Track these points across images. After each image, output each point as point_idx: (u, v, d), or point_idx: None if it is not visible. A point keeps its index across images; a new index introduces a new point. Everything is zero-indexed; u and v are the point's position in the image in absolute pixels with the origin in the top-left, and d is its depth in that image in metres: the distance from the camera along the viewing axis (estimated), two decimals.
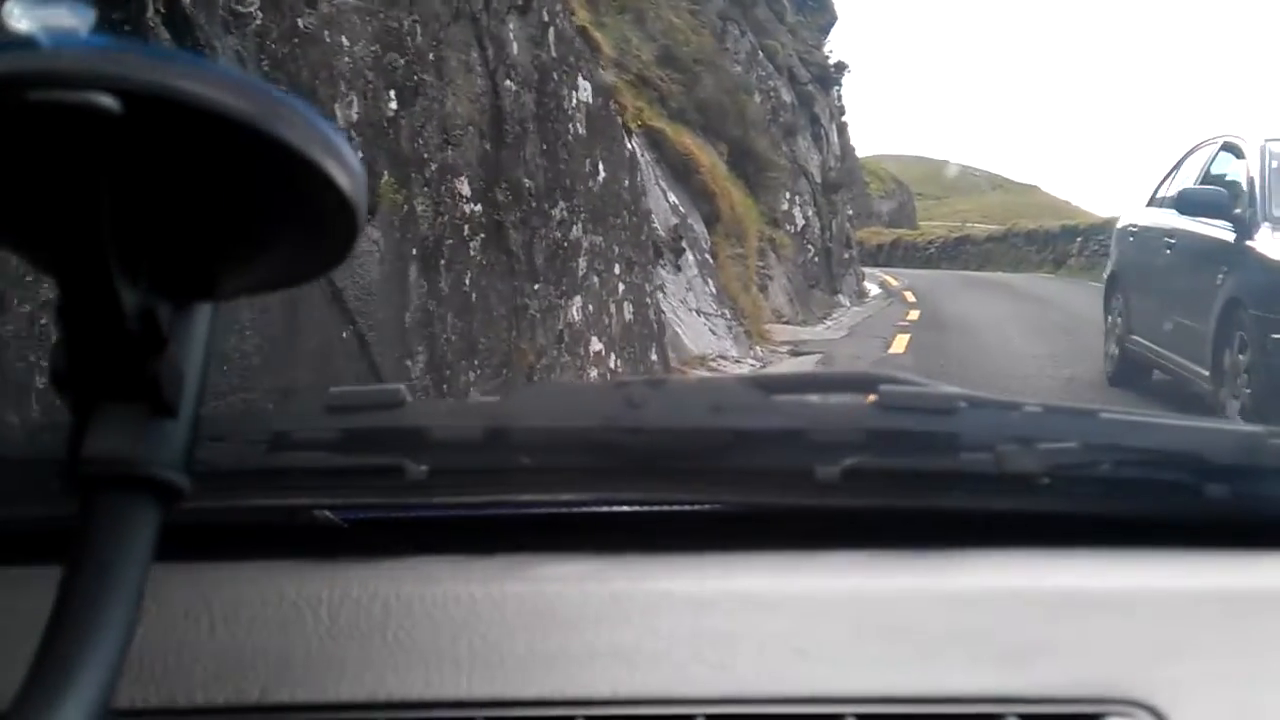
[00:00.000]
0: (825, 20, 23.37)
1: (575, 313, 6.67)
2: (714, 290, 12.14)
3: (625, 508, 0.93)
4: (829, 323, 17.34)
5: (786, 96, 19.88)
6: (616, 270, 7.67)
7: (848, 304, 20.29)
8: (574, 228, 6.75)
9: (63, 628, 0.46)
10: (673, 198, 12.14)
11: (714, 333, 11.50)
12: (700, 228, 13.18)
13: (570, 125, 6.87)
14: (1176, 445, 0.97)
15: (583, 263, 6.95)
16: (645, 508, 0.93)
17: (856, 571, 0.86)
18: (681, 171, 13.13)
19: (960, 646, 0.77)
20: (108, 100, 0.40)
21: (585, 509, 0.93)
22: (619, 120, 8.71)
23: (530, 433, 0.95)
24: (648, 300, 8.53)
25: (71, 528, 0.48)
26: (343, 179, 0.45)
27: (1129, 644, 0.78)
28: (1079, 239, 30.92)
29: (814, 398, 1.06)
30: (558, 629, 0.78)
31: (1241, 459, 0.94)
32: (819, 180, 20.41)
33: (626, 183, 8.36)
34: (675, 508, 0.93)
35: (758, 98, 18.33)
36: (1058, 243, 32.45)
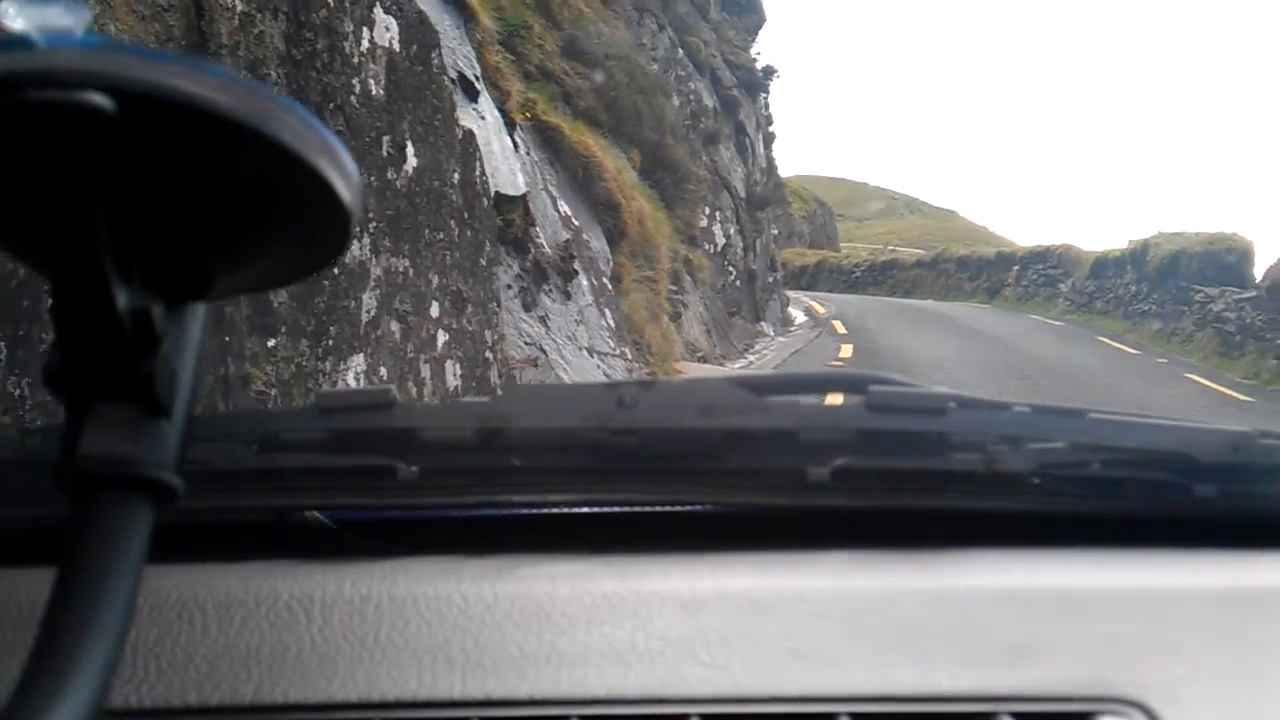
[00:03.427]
0: (753, 20, 21.59)
1: (352, 380, 4.28)
2: (612, 323, 9.92)
3: (617, 508, 0.92)
4: (751, 357, 15.65)
5: (708, 100, 18.05)
6: (434, 311, 5.32)
7: (772, 334, 18.62)
8: (353, 245, 4.35)
9: (57, 628, 0.45)
10: (565, 207, 9.89)
11: (609, 377, 9.27)
12: (601, 245, 10.98)
13: (356, 80, 4.51)
14: (1165, 445, 0.98)
15: (369, 301, 4.63)
16: (637, 508, 0.92)
17: (849, 571, 0.86)
18: (581, 178, 10.93)
19: (953, 646, 0.76)
20: (102, 100, 0.40)
21: (577, 509, 0.92)
22: (448, 82, 6.18)
23: (522, 433, 0.95)
24: (489, 354, 6.08)
25: (65, 528, 0.47)
26: (337, 180, 0.45)
27: (1121, 643, 0.77)
28: (1015, 268, 29.91)
29: (805, 398, 1.06)
30: (550, 629, 0.78)
31: (1230, 459, 0.94)
32: (743, 195, 18.52)
33: (457, 175, 5.82)
34: (667, 508, 0.93)
35: (676, 100, 16.41)
36: (991, 271, 31.24)
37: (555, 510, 0.93)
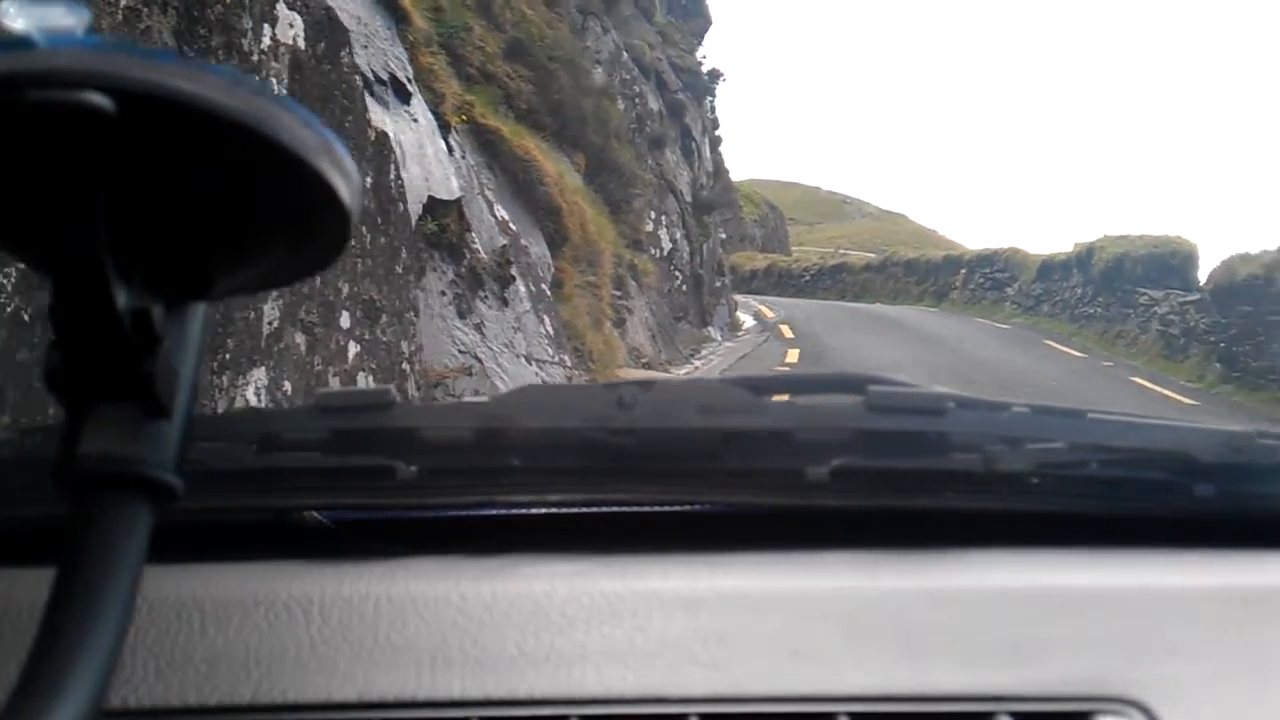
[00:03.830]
0: (699, 24, 21.41)
1: (252, 395, 4.04)
2: (551, 329, 9.70)
3: (616, 508, 0.92)
4: (697, 362, 15.44)
5: (654, 104, 17.84)
6: (345, 321, 5.06)
7: (719, 338, 18.43)
8: None
9: (56, 628, 0.45)
10: (503, 212, 9.66)
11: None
12: (542, 250, 10.76)
13: (256, 79, 4.13)
14: (1164, 445, 0.97)
15: (271, 312, 4.37)
16: (636, 508, 0.92)
17: (848, 571, 0.86)
18: (521, 182, 10.71)
19: (952, 645, 0.76)
20: (102, 100, 0.40)
21: (576, 509, 0.92)
22: (360, 82, 5.87)
23: (521, 433, 0.95)
24: (406, 366, 5.89)
25: (65, 528, 0.47)
26: (337, 179, 0.45)
27: (1119, 643, 0.77)
28: (962, 271, 29.74)
29: (803, 398, 1.08)
30: (549, 629, 0.78)
31: (1229, 458, 0.94)
32: (689, 199, 18.35)
33: (369, 179, 5.66)
34: (666, 508, 0.93)
35: (621, 104, 16.21)
36: (939, 274, 30.98)
37: (555, 510, 0.92)
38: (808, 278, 37.01)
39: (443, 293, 8.04)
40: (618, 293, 13.33)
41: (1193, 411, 13.70)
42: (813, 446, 0.91)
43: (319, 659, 0.76)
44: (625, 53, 17.13)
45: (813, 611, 0.80)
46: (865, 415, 0.94)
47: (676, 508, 0.93)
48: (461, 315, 8.23)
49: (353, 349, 5.14)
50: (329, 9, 4.99)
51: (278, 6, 4.27)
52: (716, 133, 22.59)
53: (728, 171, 42.07)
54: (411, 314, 5.63)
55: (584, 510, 0.93)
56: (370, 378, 5.22)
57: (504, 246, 9.12)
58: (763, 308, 24.43)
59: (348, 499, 0.91)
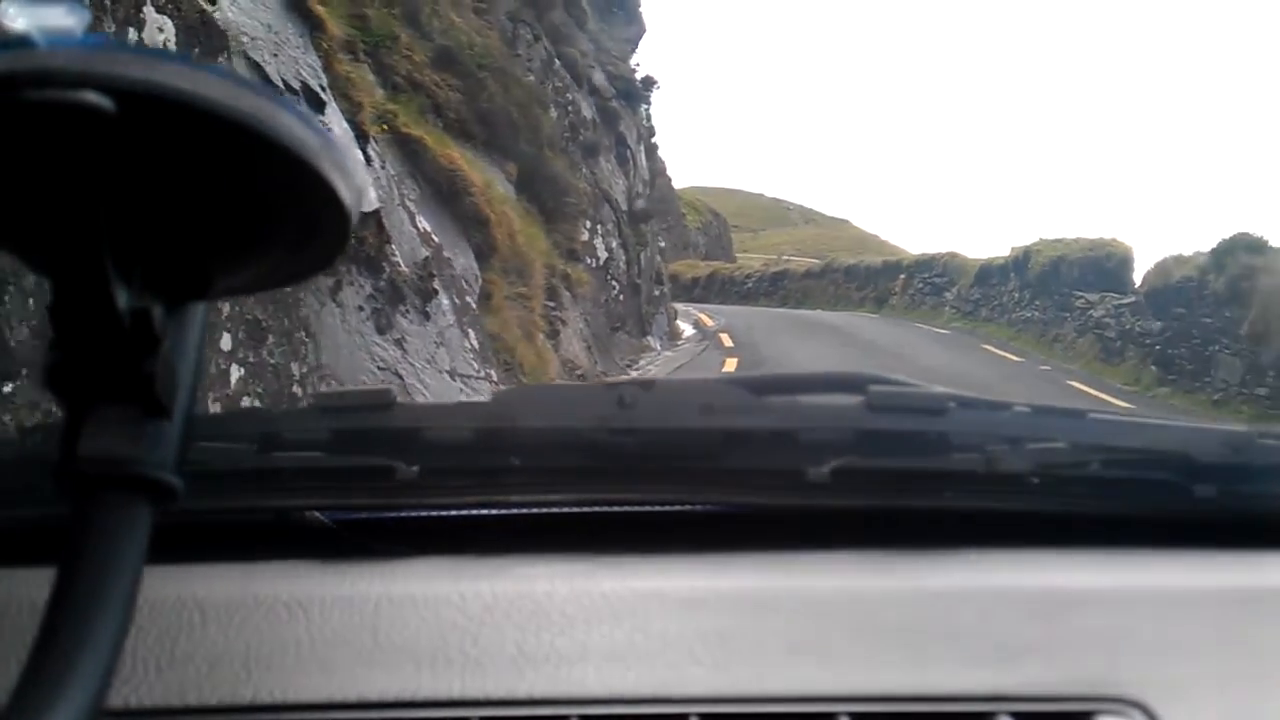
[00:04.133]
0: (632, 31, 21.17)
1: None
2: (476, 343, 9.45)
3: (616, 508, 0.92)
4: (634, 373, 15.15)
5: (587, 112, 17.57)
6: (225, 343, 4.73)
7: (658, 348, 18.21)
8: None
9: (57, 628, 0.45)
10: (424, 223, 9.38)
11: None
12: (468, 262, 10.48)
13: None
14: (1165, 445, 0.97)
15: None
16: (636, 508, 0.92)
17: (848, 571, 0.86)
18: (446, 193, 10.43)
19: (952, 645, 0.77)
20: (101, 99, 0.40)
21: (576, 509, 0.92)
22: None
23: (521, 433, 0.95)
24: (298, 389, 5.51)
25: (65, 528, 0.47)
26: (337, 180, 0.45)
27: (1120, 643, 0.77)
28: (901, 276, 29.57)
29: (804, 398, 1.07)
30: (549, 628, 0.78)
31: (1229, 459, 0.94)
32: (625, 208, 18.13)
33: None
34: (666, 508, 0.92)
35: (554, 112, 15.98)
36: (879, 280, 30.83)
37: (555, 510, 0.92)
38: (749, 285, 36.78)
39: (360, 308, 7.77)
40: (551, 303, 13.09)
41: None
42: (813, 446, 0.91)
43: (319, 659, 0.75)
44: (557, 60, 16.87)
45: (812, 611, 0.80)
46: (866, 415, 0.94)
47: (676, 508, 0.93)
48: (381, 331, 7.97)
49: (235, 372, 4.83)
50: (204, 11, 4.75)
51: (145, 9, 4.01)
52: (653, 140, 22.41)
53: (670, 179, 41.79)
54: (303, 333, 5.34)
55: (584, 510, 0.92)
56: (256, 402, 4.91)
57: (426, 259, 8.84)
58: (703, 316, 24.21)
59: (348, 499, 0.91)
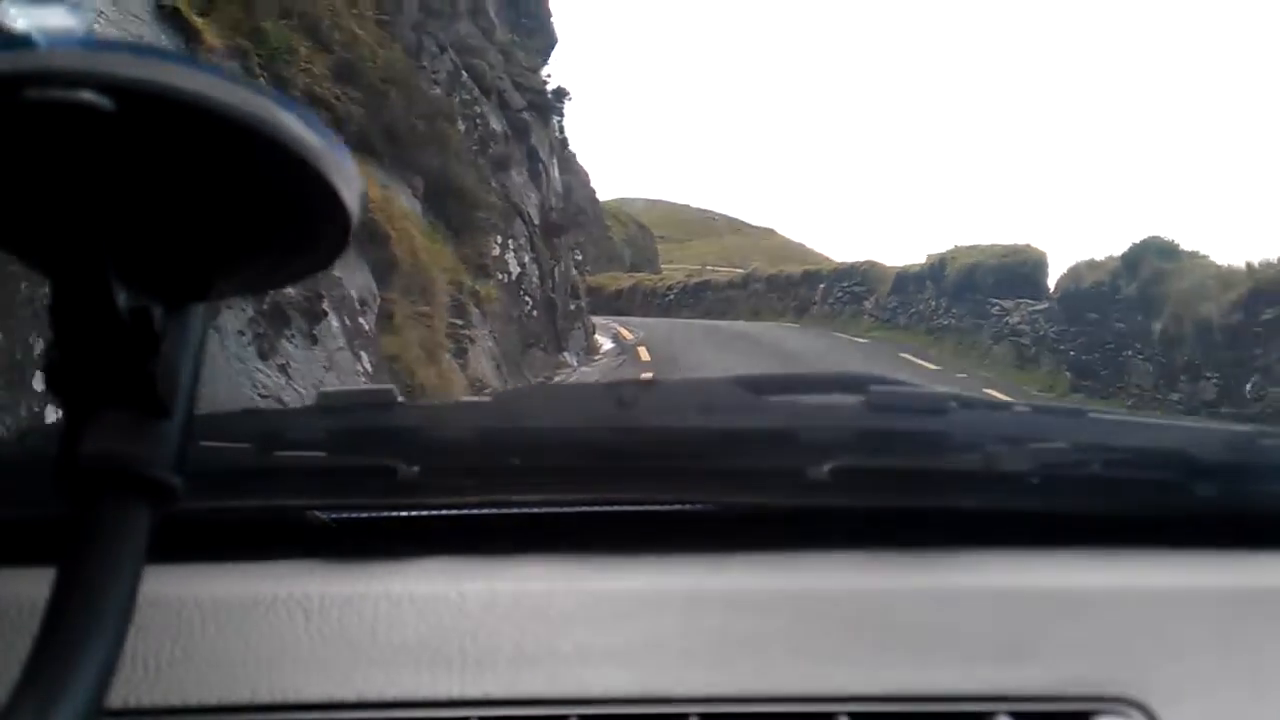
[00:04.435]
0: (543, 42, 20.87)
1: None
2: (370, 366, 9.10)
3: (616, 508, 0.92)
4: None
5: (497, 125, 17.23)
6: (37, 383, 4.07)
7: (575, 363, 17.92)
8: None
9: (57, 628, 0.45)
10: None
11: None
12: (365, 281, 10.12)
13: None
14: (1165, 445, 0.98)
15: None
16: (636, 508, 0.92)
17: (848, 571, 0.86)
18: None
19: (952, 645, 0.77)
20: (100, 98, 0.40)
21: (576, 509, 0.92)
22: None
23: (522, 433, 0.96)
24: None
25: (65, 528, 0.47)
26: (338, 181, 0.45)
27: (1120, 642, 0.77)
28: (821, 285, 29.38)
29: (804, 398, 1.07)
30: (549, 628, 0.78)
31: (1230, 458, 0.94)
32: (538, 221, 17.82)
33: None
34: (666, 508, 0.92)
35: (461, 125, 15.65)
36: (799, 289, 30.64)
37: (555, 510, 0.92)
38: (672, 296, 36.36)
39: (241, 333, 7.41)
40: (458, 321, 12.75)
41: None
42: (813, 446, 0.91)
43: (318, 659, 0.75)
44: (464, 72, 16.55)
45: (813, 611, 0.80)
46: (866, 415, 0.95)
47: (676, 508, 0.92)
48: (263, 356, 7.60)
49: (51, 415, 4.30)
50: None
51: None
52: (566, 152, 22.14)
53: (593, 191, 41.56)
54: (282, 374, 4.97)
55: (584, 510, 0.91)
56: None
57: (315, 279, 8.53)
58: (623, 330, 23.92)
59: (348, 499, 0.90)
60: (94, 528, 0.46)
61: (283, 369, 7.77)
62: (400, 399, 1.00)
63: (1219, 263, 15.58)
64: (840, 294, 27.91)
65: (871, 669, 0.74)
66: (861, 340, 22.88)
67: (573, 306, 19.69)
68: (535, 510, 0.92)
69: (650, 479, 0.92)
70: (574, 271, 20.76)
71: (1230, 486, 0.91)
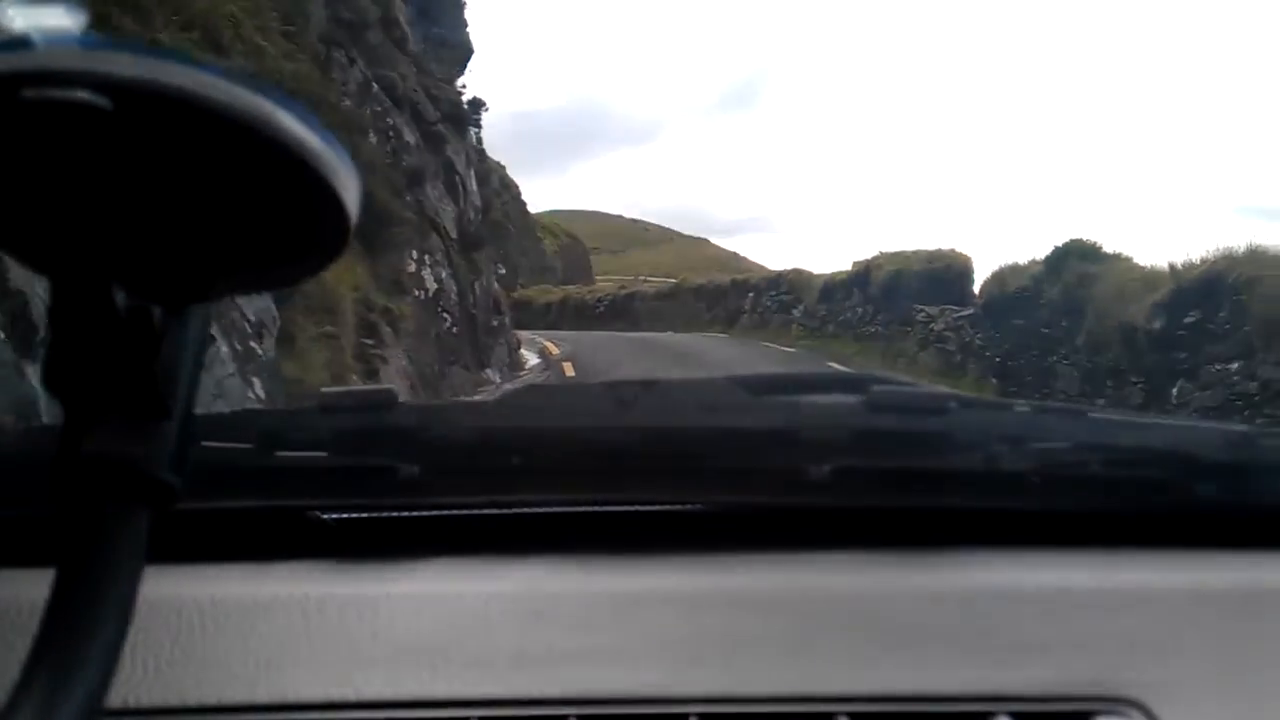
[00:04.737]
0: (459, 52, 20.52)
1: None
2: (263, 392, 8.66)
3: (616, 507, 0.92)
4: None
5: (410, 137, 16.81)
6: None
7: (498, 380, 17.52)
8: None
9: (57, 628, 0.45)
10: None
11: None
12: (264, 303, 9.64)
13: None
14: (1165, 445, 0.97)
15: None
16: (636, 508, 0.92)
17: (848, 571, 0.86)
18: None
19: (952, 645, 0.77)
20: (98, 97, 0.40)
21: (577, 509, 0.92)
22: None
23: (522, 433, 0.96)
24: None
25: (65, 528, 0.47)
26: (338, 182, 0.44)
27: (1120, 642, 0.77)
28: (750, 295, 29.13)
29: (804, 398, 1.07)
30: (549, 628, 0.78)
31: (1230, 458, 0.94)
32: (456, 236, 17.41)
33: None
34: (667, 507, 0.92)
35: (373, 138, 15.23)
36: (728, 299, 30.27)
37: (555, 510, 0.91)
38: (602, 308, 35.95)
39: None
40: (369, 341, 12.36)
41: None
42: (814, 446, 0.91)
43: (319, 659, 0.75)
44: (375, 84, 16.14)
45: (813, 611, 0.80)
46: (866, 415, 0.95)
47: (677, 508, 0.91)
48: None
49: None
50: None
51: None
52: (486, 164, 21.73)
53: (524, 204, 41.16)
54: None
55: (584, 510, 0.91)
56: None
57: None
58: (549, 344, 23.49)
59: (348, 499, 0.90)
60: (94, 528, 0.46)
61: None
62: (400, 398, 0.99)
63: (1142, 264, 15.37)
64: (769, 303, 27.67)
65: (871, 669, 0.74)
66: (789, 349, 22.60)
67: (495, 322, 19.30)
68: (535, 510, 0.91)
69: (650, 479, 0.91)
70: (496, 285, 20.36)
71: (1230, 486, 0.91)
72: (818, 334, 24.15)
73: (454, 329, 16.93)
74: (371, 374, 12.67)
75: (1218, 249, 13.19)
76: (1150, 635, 0.78)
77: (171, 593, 0.79)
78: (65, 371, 0.46)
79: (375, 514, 0.91)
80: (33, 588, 0.50)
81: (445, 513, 0.92)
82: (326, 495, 0.90)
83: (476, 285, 18.29)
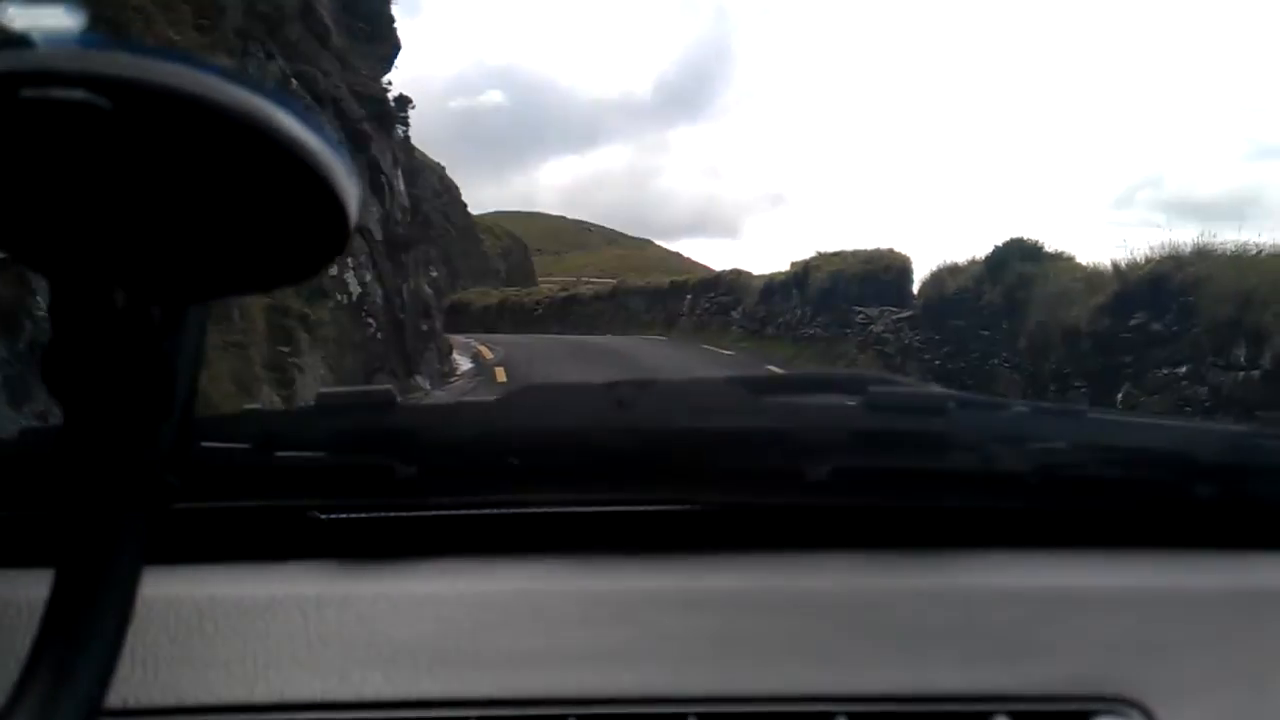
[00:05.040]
0: (385, 49, 19.89)
1: None
2: None
3: (616, 508, 0.92)
4: None
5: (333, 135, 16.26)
6: None
7: (428, 387, 17.01)
8: None
9: (56, 628, 0.46)
10: None
11: None
12: None
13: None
14: (1165, 445, 0.98)
15: None
16: (636, 508, 0.92)
17: (847, 571, 0.86)
18: None
19: (951, 645, 0.77)
20: (97, 96, 0.40)
21: (575, 509, 0.92)
22: None
23: (520, 434, 0.96)
24: None
25: (65, 528, 0.47)
26: (336, 182, 0.44)
27: (1120, 643, 0.78)
28: (689, 296, 28.59)
29: (804, 398, 1.08)
30: (548, 628, 0.78)
31: (1230, 459, 0.94)
32: (380, 237, 16.85)
33: None
34: (666, 508, 0.92)
35: None
36: (667, 301, 29.80)
37: (554, 510, 0.91)
38: (541, 311, 35.26)
39: None
40: (284, 349, 11.83)
41: None
42: (813, 446, 0.91)
43: (318, 659, 0.75)
44: (295, 80, 15.57)
45: (812, 611, 0.80)
46: (865, 415, 0.95)
47: (676, 508, 0.91)
48: (17, 403, 6.68)
49: None
50: None
51: None
52: (412, 162, 21.13)
53: (465, 205, 40.53)
54: None
55: (583, 510, 0.91)
56: None
57: None
58: (484, 348, 22.92)
59: (347, 499, 0.90)
60: (94, 528, 0.46)
61: (41, 417, 6.89)
62: (398, 398, 0.99)
63: (1085, 264, 14.80)
64: (708, 304, 27.32)
65: (871, 669, 0.74)
66: (727, 352, 22.20)
67: (425, 327, 18.77)
68: (534, 510, 0.92)
69: (650, 479, 0.91)
70: (428, 288, 19.81)
71: (1230, 486, 0.90)
72: (757, 336, 23.75)
73: (379, 334, 16.42)
74: (286, 384, 12.15)
75: (1163, 247, 12.59)
76: (1150, 635, 0.78)
77: (171, 593, 0.80)
78: (65, 371, 0.46)
79: (374, 514, 0.90)
80: (33, 588, 0.49)
81: (444, 513, 0.91)
82: (325, 495, 0.90)
83: (405, 289, 17.77)
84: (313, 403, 1.00)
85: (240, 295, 0.52)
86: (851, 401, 0.97)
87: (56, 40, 0.41)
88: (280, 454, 0.93)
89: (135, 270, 0.45)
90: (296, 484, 0.91)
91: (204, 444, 0.87)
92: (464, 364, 20.88)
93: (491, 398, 1.04)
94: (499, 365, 19.60)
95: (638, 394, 0.97)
